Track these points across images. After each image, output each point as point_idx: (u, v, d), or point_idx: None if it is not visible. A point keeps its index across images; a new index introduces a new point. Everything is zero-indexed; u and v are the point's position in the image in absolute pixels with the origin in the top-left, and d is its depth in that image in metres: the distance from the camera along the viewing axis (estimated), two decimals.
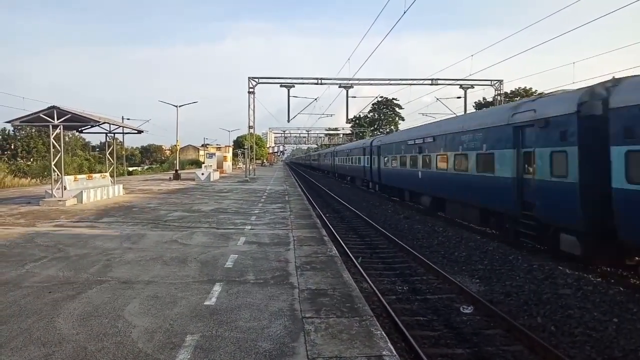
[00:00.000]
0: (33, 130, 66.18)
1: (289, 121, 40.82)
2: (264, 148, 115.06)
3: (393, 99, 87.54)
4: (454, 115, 25.51)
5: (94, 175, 25.00)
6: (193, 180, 38.46)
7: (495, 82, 36.91)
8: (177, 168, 46.90)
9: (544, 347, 6.28)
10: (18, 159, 62.14)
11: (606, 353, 6.22)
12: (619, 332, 6.70)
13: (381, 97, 74.65)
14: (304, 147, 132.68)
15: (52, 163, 19.85)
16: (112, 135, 25.36)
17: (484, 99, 62.63)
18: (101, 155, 55.23)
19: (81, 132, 28.71)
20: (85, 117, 20.15)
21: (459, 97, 38.18)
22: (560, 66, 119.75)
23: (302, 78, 37.27)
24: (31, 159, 62.20)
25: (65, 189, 19.42)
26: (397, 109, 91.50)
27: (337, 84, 36.61)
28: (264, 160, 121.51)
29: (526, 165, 11.92)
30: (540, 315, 7.68)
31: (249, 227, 13.01)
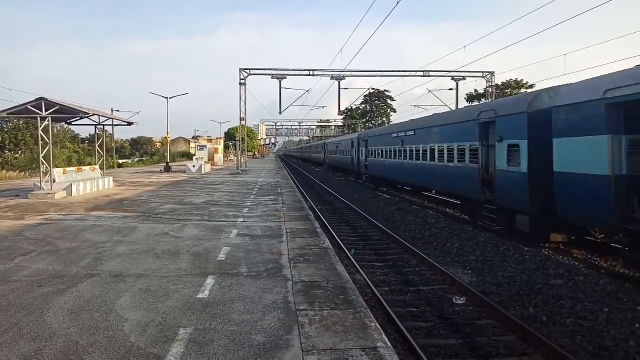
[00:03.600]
0: (21, 122, 65.15)
1: (280, 113, 40.62)
2: (255, 140, 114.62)
3: (385, 90, 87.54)
4: None
5: (83, 167, 24.71)
6: (184, 172, 38.18)
7: (486, 73, 36.98)
8: (168, 160, 46.59)
9: (535, 337, 6.33)
10: (5, 151, 61.18)
11: (597, 342, 6.28)
12: (609, 322, 6.77)
13: (373, 88, 74.52)
14: (296, 139, 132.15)
15: (41, 155, 19.56)
16: (102, 127, 25.04)
17: (475, 90, 62.80)
18: (90, 148, 54.64)
19: (70, 123, 28.30)
20: (73, 108, 19.83)
21: (450, 89, 38.28)
22: (551, 57, 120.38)
23: (293, 69, 37.07)
24: (19, 152, 61.33)
25: (54, 181, 19.17)
26: (388, 100, 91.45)
27: (328, 75, 36.45)
28: (256, 152, 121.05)
29: None
30: (532, 306, 7.74)
31: (241, 220, 12.94)
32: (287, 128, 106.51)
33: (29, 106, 18.11)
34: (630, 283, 8.26)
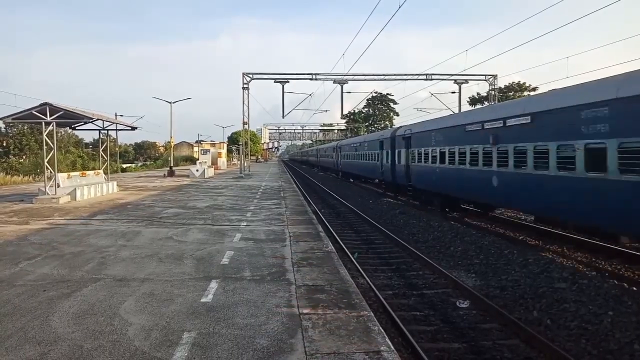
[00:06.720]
0: (25, 127, 65.59)
1: (283, 117, 40.68)
2: (258, 144, 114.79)
3: (387, 94, 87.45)
4: None
5: (87, 172, 24.81)
6: (187, 177, 38.27)
7: (489, 77, 36.97)
8: (172, 165, 46.71)
9: (540, 341, 6.31)
10: (10, 156, 61.57)
11: (602, 346, 6.25)
12: (614, 325, 6.73)
13: (376, 92, 74.48)
14: (299, 143, 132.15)
15: (45, 160, 19.67)
16: (106, 132, 25.17)
17: (478, 94, 62.72)
18: (94, 152, 54.90)
19: (74, 128, 28.49)
20: (78, 113, 19.95)
21: (453, 92, 38.27)
22: (554, 61, 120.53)
23: (296, 74, 37.15)
24: (23, 156, 61.69)
25: (58, 186, 19.26)
26: (391, 104, 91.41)
27: (331, 79, 36.55)
28: (259, 157, 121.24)
29: None
30: (536, 309, 7.71)
31: (245, 224, 12.96)
32: (291, 132, 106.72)
33: (33, 111, 18.23)
34: (635, 286, 8.22)
